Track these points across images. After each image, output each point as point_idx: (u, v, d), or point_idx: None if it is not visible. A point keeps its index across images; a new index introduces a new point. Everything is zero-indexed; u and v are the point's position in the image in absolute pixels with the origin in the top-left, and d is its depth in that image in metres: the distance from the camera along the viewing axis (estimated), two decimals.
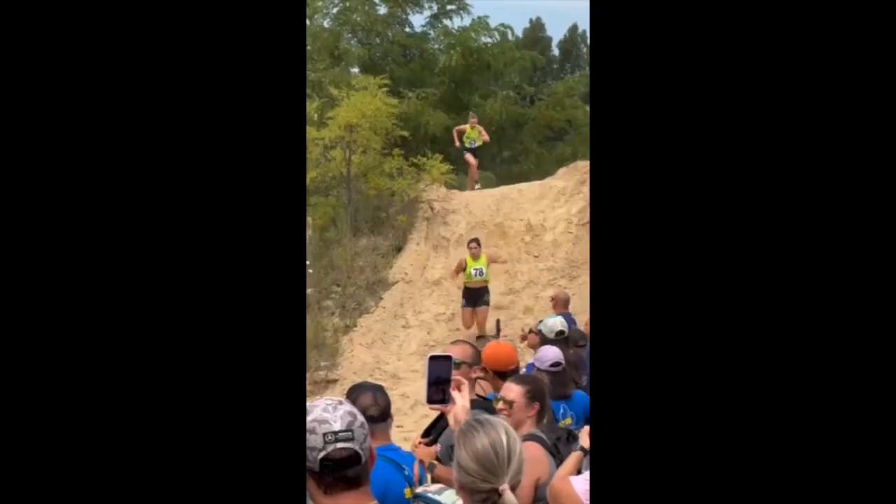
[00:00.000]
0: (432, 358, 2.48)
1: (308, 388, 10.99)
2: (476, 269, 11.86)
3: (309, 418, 1.91)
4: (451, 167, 16.09)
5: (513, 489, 2.00)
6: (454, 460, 2.14)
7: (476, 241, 12.08)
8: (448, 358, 2.49)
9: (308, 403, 2.00)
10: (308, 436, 1.89)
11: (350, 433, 1.91)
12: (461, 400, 2.41)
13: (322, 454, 1.88)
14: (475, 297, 11.85)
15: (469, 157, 15.82)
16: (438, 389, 2.42)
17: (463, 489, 2.12)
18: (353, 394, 3.10)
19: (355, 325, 12.70)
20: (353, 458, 1.91)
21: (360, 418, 1.97)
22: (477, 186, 16.18)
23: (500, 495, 1.99)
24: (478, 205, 14.75)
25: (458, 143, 15.78)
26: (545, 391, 3.62)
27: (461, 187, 16.34)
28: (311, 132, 15.19)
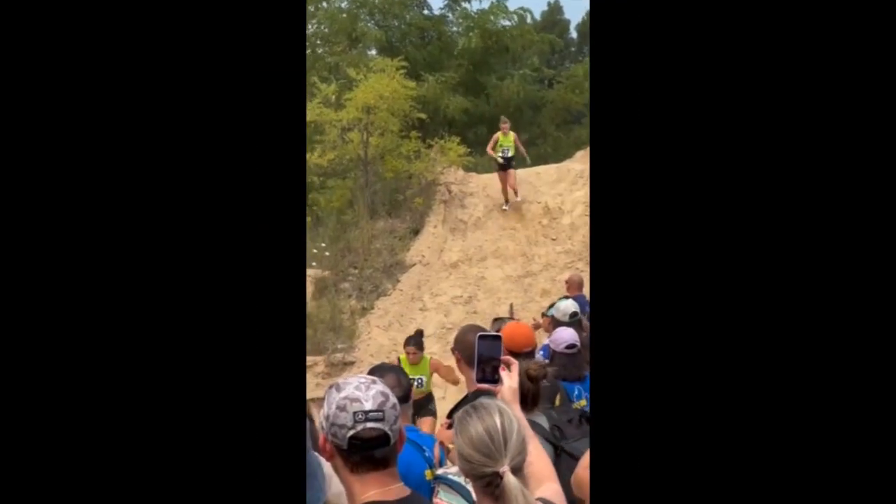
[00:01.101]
0: (481, 337, 2.47)
1: (325, 370, 11.00)
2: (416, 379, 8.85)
3: (340, 395, 1.91)
4: (468, 150, 16.04)
5: (516, 469, 1.98)
6: (456, 449, 2.13)
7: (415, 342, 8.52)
8: (498, 337, 2.47)
9: (341, 380, 2.01)
10: (338, 413, 1.89)
11: (381, 413, 1.91)
12: (509, 380, 2.39)
13: (351, 433, 1.88)
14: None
15: (504, 173, 14.23)
16: (488, 368, 2.41)
17: (467, 476, 2.12)
18: (376, 374, 3.08)
19: (372, 308, 12.69)
20: (381, 439, 1.91)
21: (392, 399, 1.97)
22: (517, 198, 14.47)
23: (501, 477, 1.99)
24: (495, 188, 14.70)
25: (490, 153, 14.36)
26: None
27: (478, 169, 16.29)
28: (328, 114, 15.19)
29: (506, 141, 14.06)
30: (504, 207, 14.54)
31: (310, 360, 11.28)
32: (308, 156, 15.61)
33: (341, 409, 1.89)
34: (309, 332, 11.98)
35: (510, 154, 14.11)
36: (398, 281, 13.19)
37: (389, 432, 1.92)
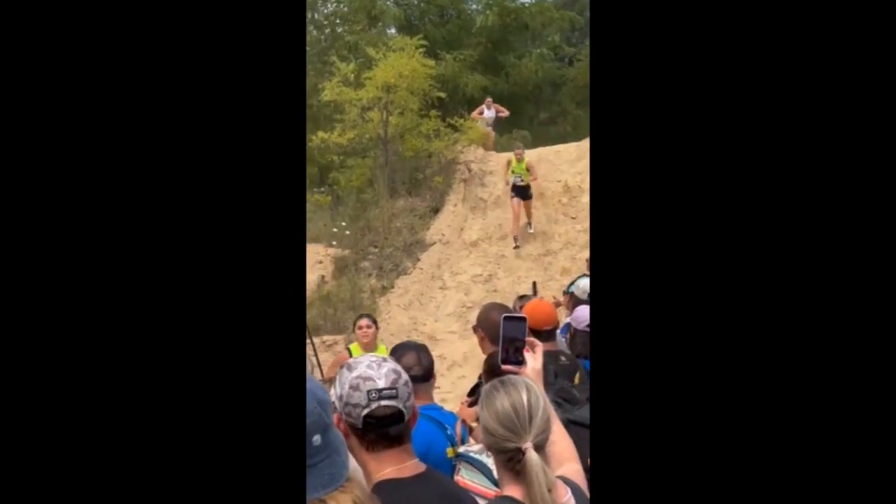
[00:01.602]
0: (506, 318, 2.45)
1: (344, 349, 11.03)
2: None
3: (353, 375, 1.92)
4: (488, 128, 16.01)
5: (539, 447, 1.99)
6: (479, 422, 2.14)
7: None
8: (523, 319, 2.46)
9: (351, 360, 2.01)
10: (351, 392, 1.89)
11: (394, 391, 1.91)
12: (533, 362, 2.39)
13: (365, 411, 1.88)
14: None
15: (514, 201, 13.14)
16: (512, 349, 2.40)
17: (489, 449, 2.12)
18: (397, 353, 3.08)
19: (392, 287, 12.70)
20: (396, 416, 1.92)
21: (405, 376, 1.97)
22: (530, 230, 13.34)
23: (523, 454, 2.00)
24: None
25: (505, 179, 13.50)
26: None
27: (497, 148, 16.25)
28: (348, 93, 15.18)
29: (519, 168, 13.04)
30: (515, 245, 13.16)
31: (329, 338, 11.31)
32: (328, 135, 15.63)
33: (354, 388, 1.90)
34: (329, 310, 12.02)
35: (523, 182, 12.99)
36: (418, 259, 13.19)
37: (403, 409, 1.93)
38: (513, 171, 13.14)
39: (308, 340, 10.22)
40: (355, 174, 16.19)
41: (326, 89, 15.65)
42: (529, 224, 13.40)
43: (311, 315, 11.56)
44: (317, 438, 1.52)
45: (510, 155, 13.82)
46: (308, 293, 12.52)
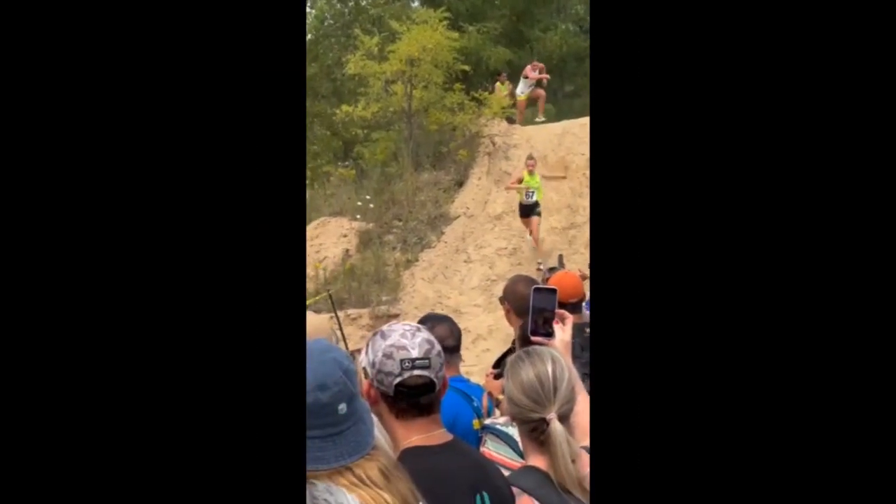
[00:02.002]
0: (536, 290, 2.45)
1: (369, 322, 11.06)
2: None
3: (386, 343, 1.92)
4: (512, 102, 15.92)
5: (563, 418, 2.01)
6: (505, 392, 2.14)
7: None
8: (553, 291, 2.46)
9: (385, 328, 2.01)
10: (385, 360, 1.89)
11: (427, 361, 1.91)
12: (562, 334, 2.38)
13: (398, 380, 1.88)
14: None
15: (522, 218, 12.37)
16: (541, 321, 2.39)
17: (514, 420, 2.14)
18: (428, 323, 3.07)
19: (417, 260, 12.71)
20: (428, 386, 1.91)
21: (437, 347, 1.96)
22: (539, 264, 11.21)
23: (547, 424, 2.01)
24: (540, 139, 14.59)
25: (513, 187, 12.58)
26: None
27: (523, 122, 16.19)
28: (372, 66, 15.16)
29: (532, 181, 12.10)
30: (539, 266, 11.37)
31: (354, 312, 11.35)
32: (352, 108, 15.64)
33: (388, 356, 1.90)
34: (353, 284, 12.06)
35: (534, 198, 12.05)
36: (442, 233, 13.18)
37: (435, 379, 1.92)
38: (525, 185, 12.13)
39: (333, 314, 10.27)
40: (379, 148, 16.18)
41: (350, 63, 15.62)
42: (536, 243, 12.40)
43: (336, 289, 11.59)
44: (342, 407, 1.52)
45: (538, 129, 13.74)
46: (332, 267, 12.57)
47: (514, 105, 15.97)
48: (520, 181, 12.26)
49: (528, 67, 16.35)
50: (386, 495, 1.51)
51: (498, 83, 16.35)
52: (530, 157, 12.40)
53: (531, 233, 12.38)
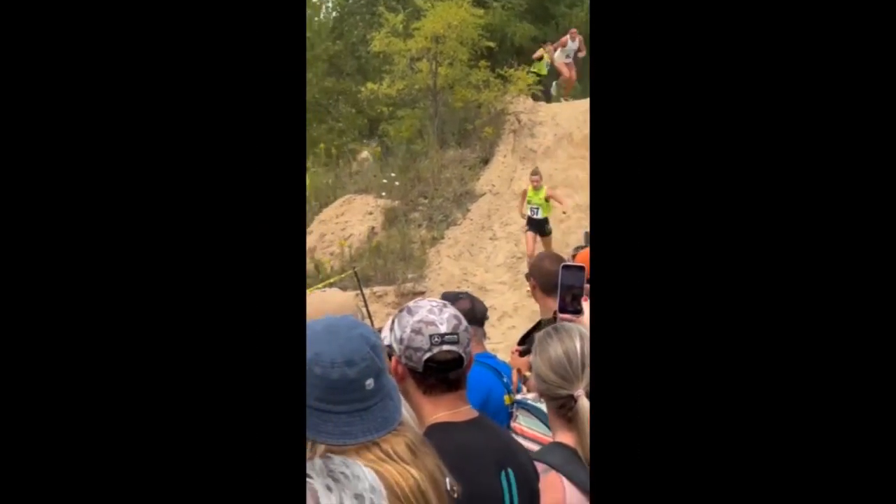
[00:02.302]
0: (565, 267, 2.46)
1: (395, 300, 11.09)
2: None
3: (414, 319, 1.92)
4: (538, 78, 15.82)
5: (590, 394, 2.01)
6: (532, 369, 2.14)
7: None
8: (581, 268, 2.46)
9: (411, 304, 2.01)
10: (413, 336, 1.90)
11: (456, 336, 1.91)
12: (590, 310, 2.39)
13: (427, 355, 1.89)
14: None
15: (529, 235, 11.39)
16: (569, 298, 2.39)
17: (542, 396, 2.15)
18: (447, 300, 3.07)
19: (442, 237, 12.71)
20: (456, 361, 1.92)
21: (465, 322, 1.97)
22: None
23: (575, 401, 2.02)
24: (565, 116, 14.50)
25: (520, 211, 11.69)
26: None
27: (547, 98, 16.09)
28: (397, 44, 15.11)
29: (535, 197, 11.25)
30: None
31: (380, 289, 11.38)
32: (377, 86, 15.61)
33: (416, 332, 1.90)
34: (379, 262, 12.09)
35: (540, 215, 11.20)
36: (468, 210, 13.16)
37: (463, 354, 1.92)
38: (528, 202, 11.33)
39: (359, 291, 10.29)
40: (405, 125, 16.16)
41: (375, 40, 15.58)
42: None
43: (362, 266, 11.63)
44: (370, 382, 1.52)
45: (563, 106, 13.64)
46: (358, 244, 12.60)
47: (540, 82, 15.83)
48: (524, 198, 11.49)
49: (567, 36, 16.08)
50: (413, 471, 1.51)
51: (541, 49, 16.10)
52: (534, 173, 11.46)
53: (533, 248, 11.04)
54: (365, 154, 16.32)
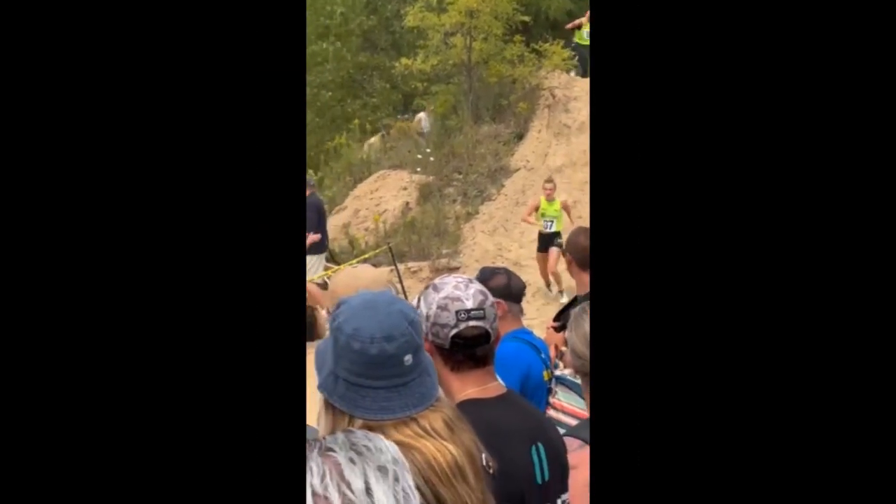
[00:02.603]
0: None
1: (430, 275, 11.10)
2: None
3: (440, 295, 1.92)
4: (573, 53, 15.67)
5: None
6: (568, 345, 2.13)
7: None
8: None
9: (437, 280, 2.01)
10: (440, 312, 1.89)
11: (482, 312, 1.90)
12: None
13: (454, 331, 1.88)
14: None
15: (538, 253, 10.50)
16: None
17: (577, 372, 2.10)
18: (485, 275, 3.06)
19: (477, 213, 12.69)
20: (483, 337, 1.91)
21: (491, 298, 1.96)
22: (558, 289, 10.49)
23: None
24: None
25: (528, 221, 10.65)
26: None
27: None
28: (431, 18, 15.03)
29: (550, 209, 10.22)
30: (559, 290, 10.51)
31: (414, 265, 11.41)
32: (411, 61, 15.55)
33: (443, 308, 1.89)
34: (413, 237, 12.11)
35: (553, 228, 10.10)
36: (503, 186, 13.12)
37: (490, 330, 1.91)
38: (542, 214, 10.30)
39: (393, 267, 10.32)
40: (439, 100, 16.10)
41: (409, 15, 15.51)
42: (557, 280, 10.45)
43: (396, 241, 11.67)
44: (408, 358, 1.52)
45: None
46: (392, 220, 12.62)
47: (575, 56, 15.67)
48: (536, 209, 10.47)
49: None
50: (450, 446, 1.51)
51: (584, 18, 15.87)
52: (548, 181, 10.54)
53: (545, 270, 10.46)
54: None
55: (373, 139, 15.90)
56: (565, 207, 10.32)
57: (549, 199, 10.28)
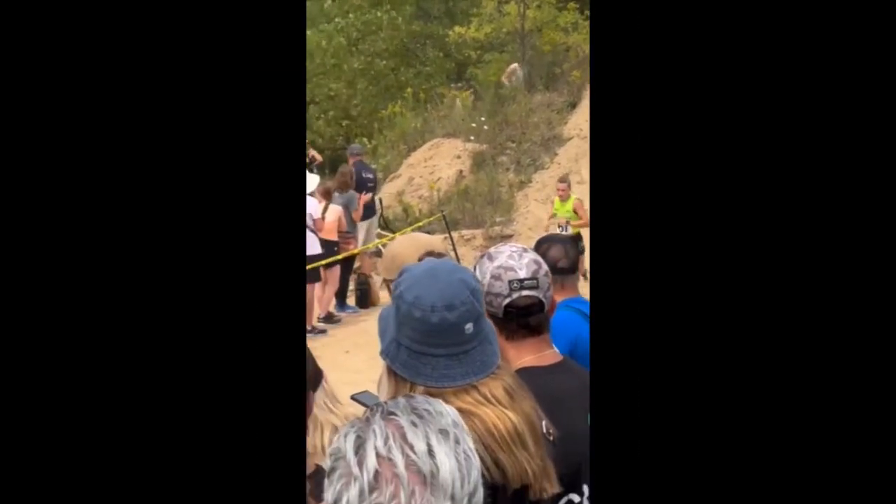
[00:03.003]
0: None
1: (483, 243, 11.10)
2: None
3: (494, 265, 1.91)
4: None
5: None
6: None
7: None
8: None
9: (492, 249, 1.99)
10: (493, 282, 1.89)
11: (535, 281, 1.89)
12: None
13: (507, 301, 1.88)
14: None
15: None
16: None
17: None
18: (542, 246, 3.04)
19: (530, 181, 12.63)
20: (536, 306, 1.90)
21: (545, 267, 1.95)
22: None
23: None
24: None
25: (548, 221, 9.67)
26: None
27: None
28: None
29: (562, 209, 9.35)
30: None
31: (468, 233, 11.41)
32: (464, 29, 15.50)
33: (496, 277, 1.89)
34: (467, 205, 12.10)
35: (569, 229, 8.96)
36: (556, 154, 13.02)
37: (543, 299, 1.90)
38: (555, 214, 9.49)
39: (447, 234, 10.33)
40: (492, 69, 16.04)
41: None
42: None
43: (450, 209, 11.66)
44: (469, 327, 1.52)
45: None
46: (446, 187, 12.61)
47: None
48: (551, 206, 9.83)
49: None
50: (510, 414, 1.52)
51: None
52: (562, 180, 9.74)
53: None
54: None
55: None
56: (577, 208, 9.29)
57: (563, 200, 9.41)
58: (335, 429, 1.80)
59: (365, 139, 15.98)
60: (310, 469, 1.67)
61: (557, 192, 9.56)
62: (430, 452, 0.93)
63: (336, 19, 19.76)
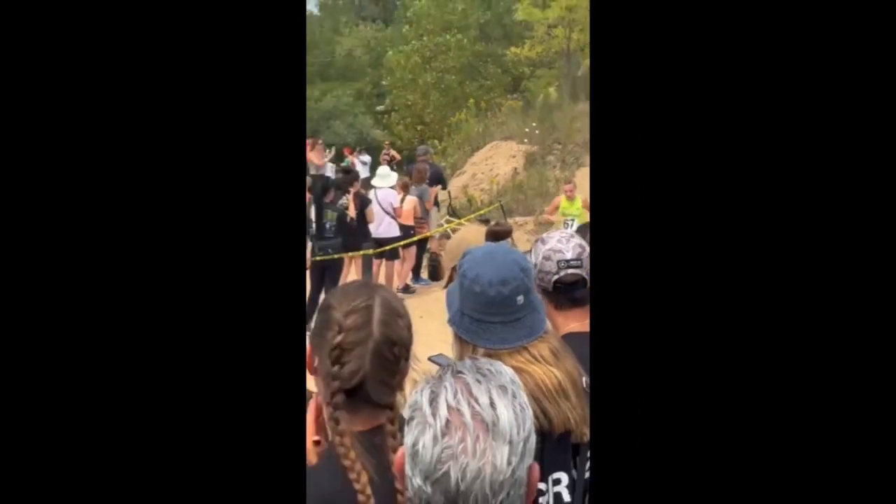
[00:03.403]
0: None
1: (533, 228, 11.07)
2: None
3: (545, 248, 1.94)
4: None
5: None
6: None
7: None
8: None
9: (545, 235, 2.03)
10: (544, 262, 1.92)
11: (579, 262, 1.93)
12: None
13: (555, 277, 1.91)
14: None
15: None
16: None
17: None
18: (584, 230, 3.02)
19: (573, 177, 12.61)
20: (581, 282, 1.93)
21: (588, 250, 1.97)
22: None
23: None
24: None
25: (549, 218, 9.25)
26: None
27: None
28: (536, 13, 14.94)
29: (571, 208, 8.68)
30: None
31: (521, 219, 11.42)
32: (519, 49, 15.47)
33: (547, 258, 1.93)
34: (520, 196, 12.15)
35: (575, 226, 7.68)
36: None
37: (586, 276, 1.93)
38: (563, 214, 8.79)
39: (504, 221, 10.35)
40: (542, 83, 15.95)
41: (518, 10, 15.42)
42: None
43: (506, 200, 11.76)
44: (520, 298, 1.54)
45: None
46: (503, 182, 12.66)
47: None
48: (557, 208, 9.13)
49: None
50: (556, 371, 1.54)
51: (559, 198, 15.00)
52: (568, 181, 9.23)
53: None
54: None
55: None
56: (586, 206, 8.38)
57: (570, 199, 8.87)
58: (414, 383, 1.82)
59: (436, 141, 16.07)
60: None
61: (564, 191, 9.02)
62: (492, 405, 0.94)
63: (412, 42, 20.36)
